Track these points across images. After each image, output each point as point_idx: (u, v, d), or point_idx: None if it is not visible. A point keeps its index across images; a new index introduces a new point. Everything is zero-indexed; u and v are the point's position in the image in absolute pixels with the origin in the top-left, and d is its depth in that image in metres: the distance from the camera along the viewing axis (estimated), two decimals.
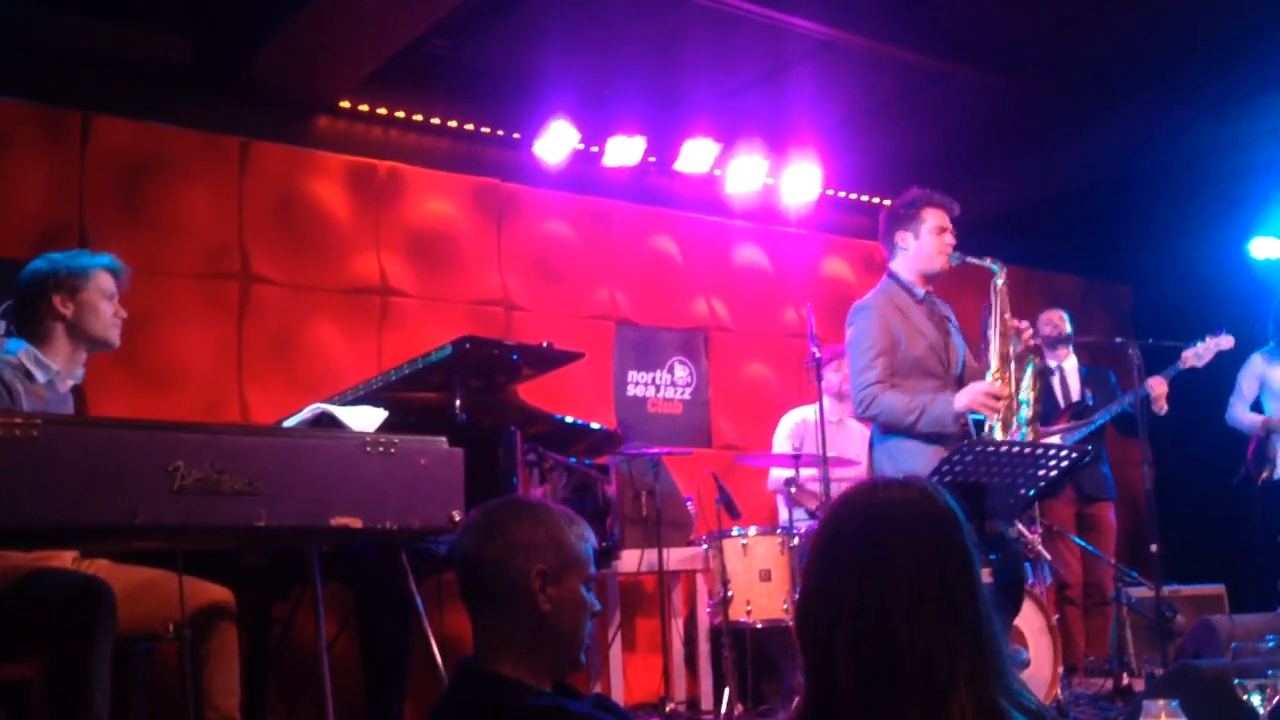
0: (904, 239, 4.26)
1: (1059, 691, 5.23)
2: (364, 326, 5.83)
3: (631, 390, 6.71)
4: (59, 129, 5.16)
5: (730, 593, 5.32)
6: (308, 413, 3.20)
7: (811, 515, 5.79)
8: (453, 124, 6.32)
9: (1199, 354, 5.98)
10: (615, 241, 6.77)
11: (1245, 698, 2.22)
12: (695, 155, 6.63)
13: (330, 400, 3.65)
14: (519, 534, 2.14)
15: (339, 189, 5.88)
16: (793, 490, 5.83)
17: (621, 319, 6.71)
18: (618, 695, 5.45)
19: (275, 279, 5.60)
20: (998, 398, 3.94)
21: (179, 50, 5.38)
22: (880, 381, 4.08)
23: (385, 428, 3.00)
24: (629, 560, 5.35)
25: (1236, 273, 7.68)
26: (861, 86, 6.63)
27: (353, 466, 2.61)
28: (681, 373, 6.91)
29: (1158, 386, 5.74)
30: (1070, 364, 6.62)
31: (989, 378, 4.01)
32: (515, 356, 4.21)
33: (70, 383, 3.40)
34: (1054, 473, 3.79)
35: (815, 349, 5.38)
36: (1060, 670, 5.31)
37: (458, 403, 3.96)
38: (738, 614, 5.31)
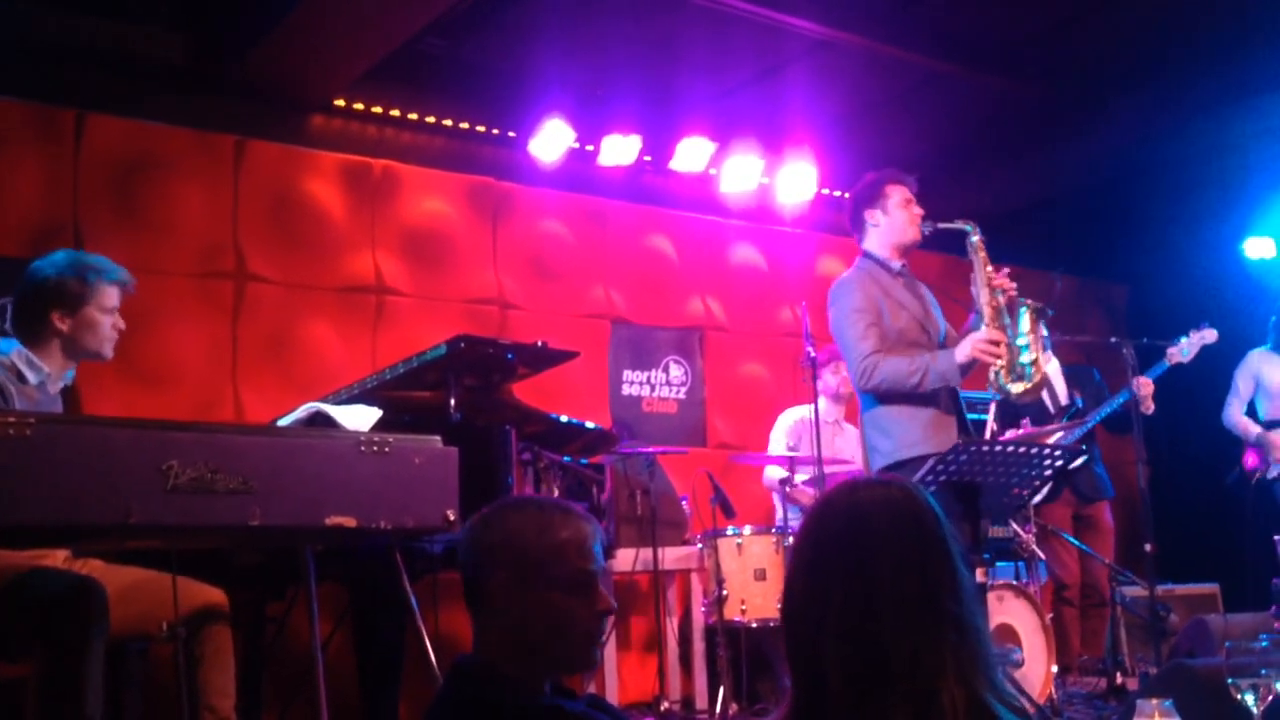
0: (873, 216, 4.30)
1: (1053, 690, 5.24)
2: (359, 325, 5.82)
3: (627, 389, 6.71)
4: (53, 127, 5.15)
5: (725, 592, 5.32)
6: (302, 412, 3.19)
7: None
8: (448, 123, 6.31)
9: (1183, 349, 5.99)
10: (610, 240, 6.77)
11: (1239, 697, 2.22)
12: (691, 154, 6.63)
13: (325, 399, 3.65)
14: (486, 539, 2.14)
15: (334, 188, 5.87)
16: (788, 489, 5.84)
17: (617, 318, 6.71)
18: (612, 694, 5.44)
19: (270, 278, 5.60)
20: (997, 343, 3.95)
21: (173, 48, 5.38)
22: (877, 351, 4.06)
23: (380, 427, 2.99)
24: (624, 559, 5.35)
25: (1231, 272, 7.69)
26: (857, 86, 6.63)
27: (347, 466, 2.60)
28: (677, 372, 6.91)
29: (1144, 387, 5.75)
30: (1053, 367, 6.59)
31: (983, 327, 4.03)
32: (510, 355, 4.21)
33: (61, 384, 3.40)
34: (1049, 472, 3.80)
35: (810, 348, 5.38)
36: (1054, 669, 5.31)
37: (452, 402, 3.96)
38: (732, 613, 5.31)
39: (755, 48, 6.15)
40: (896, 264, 4.27)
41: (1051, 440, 5.85)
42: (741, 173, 6.79)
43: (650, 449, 5.62)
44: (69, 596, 2.90)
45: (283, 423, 3.31)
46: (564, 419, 4.59)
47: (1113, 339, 5.92)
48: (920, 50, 6.25)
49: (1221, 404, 6.62)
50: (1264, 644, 2.25)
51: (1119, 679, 5.68)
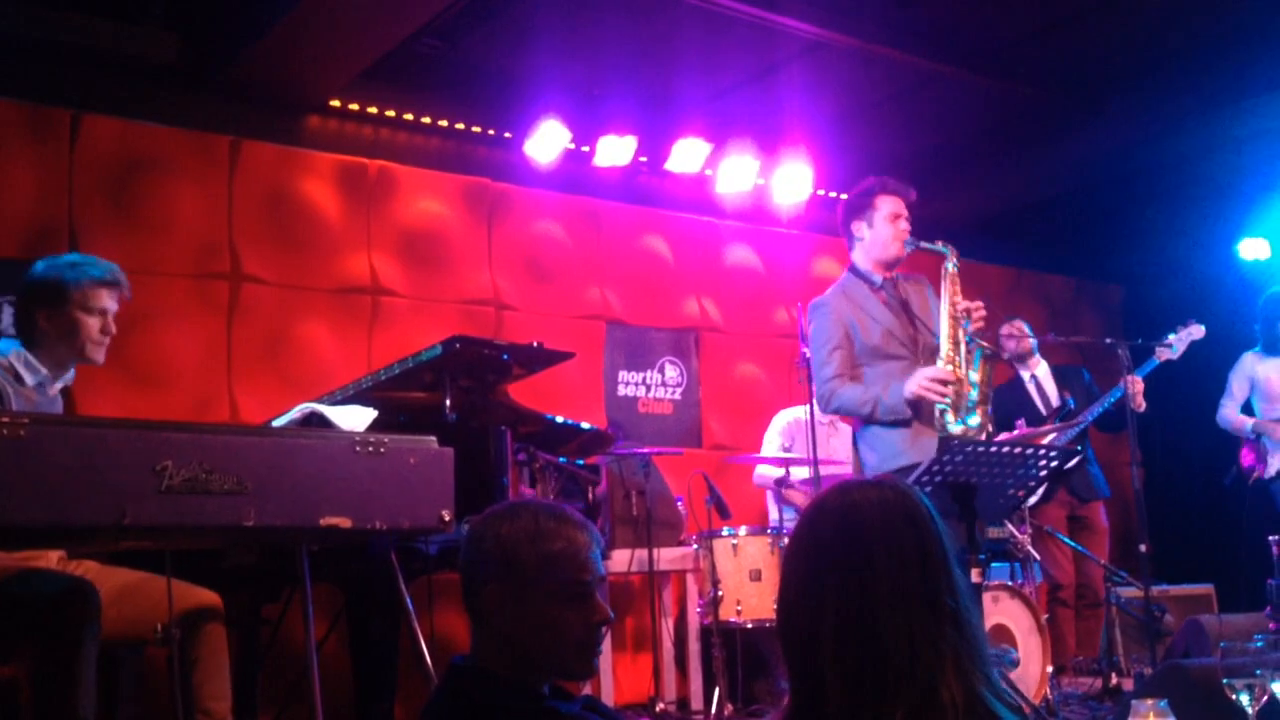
0: (859, 228, 4.31)
1: (1048, 691, 5.24)
2: (354, 326, 5.81)
3: (622, 390, 6.71)
4: (48, 127, 5.14)
5: (720, 592, 5.32)
6: (297, 412, 3.19)
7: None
8: (443, 123, 6.31)
9: (1172, 346, 6.00)
10: (606, 241, 6.77)
11: (1233, 697, 2.22)
12: (686, 155, 6.62)
13: (320, 400, 3.64)
14: (479, 548, 2.12)
15: (329, 188, 5.87)
16: (783, 490, 5.84)
17: (612, 319, 6.71)
18: (608, 695, 5.44)
19: (265, 278, 5.59)
20: (945, 382, 3.95)
21: (169, 49, 5.37)
22: (837, 376, 4.16)
23: (375, 427, 2.99)
24: (619, 560, 5.35)
25: (1226, 273, 7.71)
26: (852, 87, 6.64)
27: (342, 466, 2.60)
28: (672, 373, 6.91)
29: (1134, 384, 5.77)
30: (1042, 370, 6.62)
31: (939, 362, 4.03)
32: (505, 356, 4.20)
33: (60, 385, 3.39)
34: (1044, 473, 3.80)
35: (806, 349, 5.37)
36: (1049, 670, 5.32)
37: (448, 402, 3.95)
38: (728, 614, 5.31)
39: (750, 49, 6.15)
40: (878, 278, 4.28)
41: (1045, 441, 5.85)
42: (737, 173, 6.79)
43: (645, 450, 5.62)
44: (62, 598, 2.90)
45: (278, 423, 3.30)
46: (559, 420, 4.59)
47: (1108, 339, 5.93)
48: (915, 51, 6.26)
49: (1215, 405, 6.63)
50: (1259, 644, 2.25)
51: (1114, 680, 5.69)
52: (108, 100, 5.31)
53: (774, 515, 6.10)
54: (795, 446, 6.04)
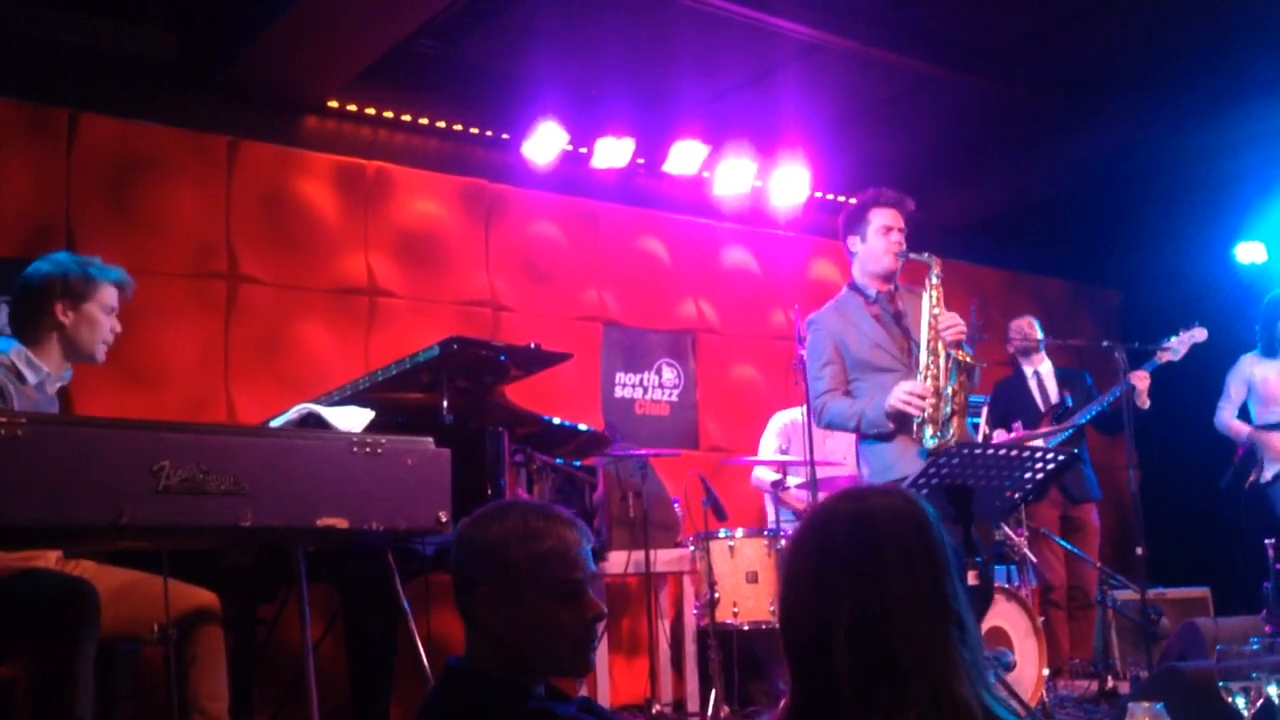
0: (854, 243, 4.38)
1: (1044, 694, 5.24)
2: (351, 327, 5.81)
3: (619, 392, 6.71)
4: (46, 127, 5.14)
5: (717, 594, 5.32)
6: (294, 413, 3.19)
7: (798, 517, 5.79)
8: (441, 124, 6.31)
9: (1174, 348, 6.02)
10: (603, 243, 6.77)
11: (1230, 700, 2.23)
12: (684, 157, 6.62)
13: (317, 400, 3.65)
14: (469, 550, 2.12)
15: (327, 189, 5.87)
16: (780, 492, 5.84)
17: (609, 320, 6.71)
18: (604, 697, 5.44)
19: (263, 279, 5.59)
20: (922, 396, 4.00)
21: (167, 48, 5.37)
22: (828, 391, 4.26)
23: (372, 428, 2.99)
24: (616, 561, 5.35)
25: (1223, 277, 7.72)
26: (849, 89, 6.64)
27: (339, 467, 2.60)
28: (669, 374, 6.91)
29: (1140, 380, 5.78)
30: (1046, 368, 6.64)
31: (919, 374, 4.07)
32: (503, 357, 4.21)
33: (59, 384, 3.39)
34: (1040, 475, 3.81)
35: (802, 352, 5.37)
36: (1046, 672, 5.32)
37: (445, 403, 3.95)
38: (724, 615, 5.31)
39: (747, 51, 6.16)
40: (872, 292, 4.32)
41: (1037, 442, 5.86)
42: (734, 176, 6.79)
43: (642, 451, 5.62)
44: (60, 598, 2.90)
45: (275, 424, 3.31)
46: (556, 421, 4.59)
47: (1105, 342, 5.93)
48: (912, 54, 6.27)
49: (1213, 408, 6.63)
50: (1255, 647, 2.25)
51: (1110, 682, 5.70)
52: (106, 100, 5.31)
53: (771, 517, 6.10)
54: (792, 448, 6.04)
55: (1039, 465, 3.77)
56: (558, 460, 4.45)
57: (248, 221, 5.59)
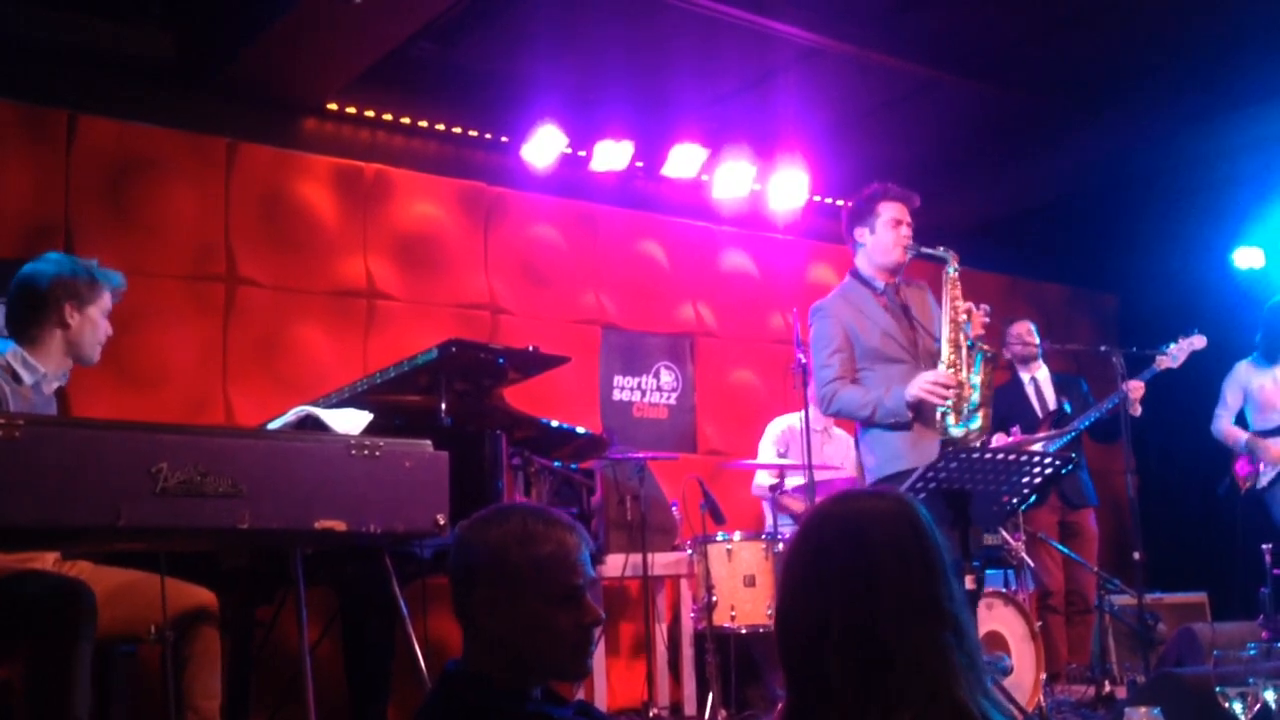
0: (862, 234, 4.35)
1: (1041, 699, 5.24)
2: (350, 329, 5.81)
3: (617, 395, 6.71)
4: (45, 128, 5.14)
5: (714, 598, 5.32)
6: (292, 415, 3.19)
7: (796, 522, 5.79)
8: (440, 127, 6.31)
9: (1173, 355, 6.02)
10: (602, 246, 6.77)
11: (1227, 705, 2.23)
12: (683, 160, 6.63)
13: (315, 403, 3.65)
14: (469, 555, 2.12)
15: (326, 191, 5.87)
16: (778, 496, 5.84)
17: (608, 323, 6.71)
18: (601, 700, 5.44)
19: (261, 281, 5.59)
20: (946, 386, 3.98)
21: (165, 49, 5.37)
22: (838, 378, 4.19)
23: (370, 430, 2.99)
24: (613, 565, 5.35)
25: (1220, 282, 7.72)
26: (848, 93, 6.65)
27: (337, 469, 2.60)
28: (667, 378, 6.91)
29: (1135, 390, 5.79)
30: (1043, 374, 6.65)
31: (941, 365, 4.06)
32: (501, 360, 4.21)
33: (56, 385, 3.40)
34: (1038, 480, 3.80)
35: (801, 355, 5.38)
36: (1043, 677, 5.32)
37: (443, 406, 3.95)
38: (722, 619, 5.31)
39: (746, 55, 6.16)
40: (880, 284, 4.31)
41: (1035, 447, 5.86)
42: (733, 179, 6.80)
43: (640, 455, 5.62)
44: (57, 599, 2.90)
45: (273, 426, 3.31)
46: (554, 424, 4.58)
47: (1102, 347, 5.94)
48: (910, 58, 6.27)
49: (1210, 415, 6.64)
50: (1252, 653, 2.26)
51: (1107, 687, 5.69)
52: (104, 101, 5.31)
53: (769, 521, 6.10)
54: (790, 453, 6.04)
55: (1037, 470, 3.77)
56: (556, 463, 4.45)
57: (246, 223, 5.59)
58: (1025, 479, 3.77)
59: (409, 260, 6.06)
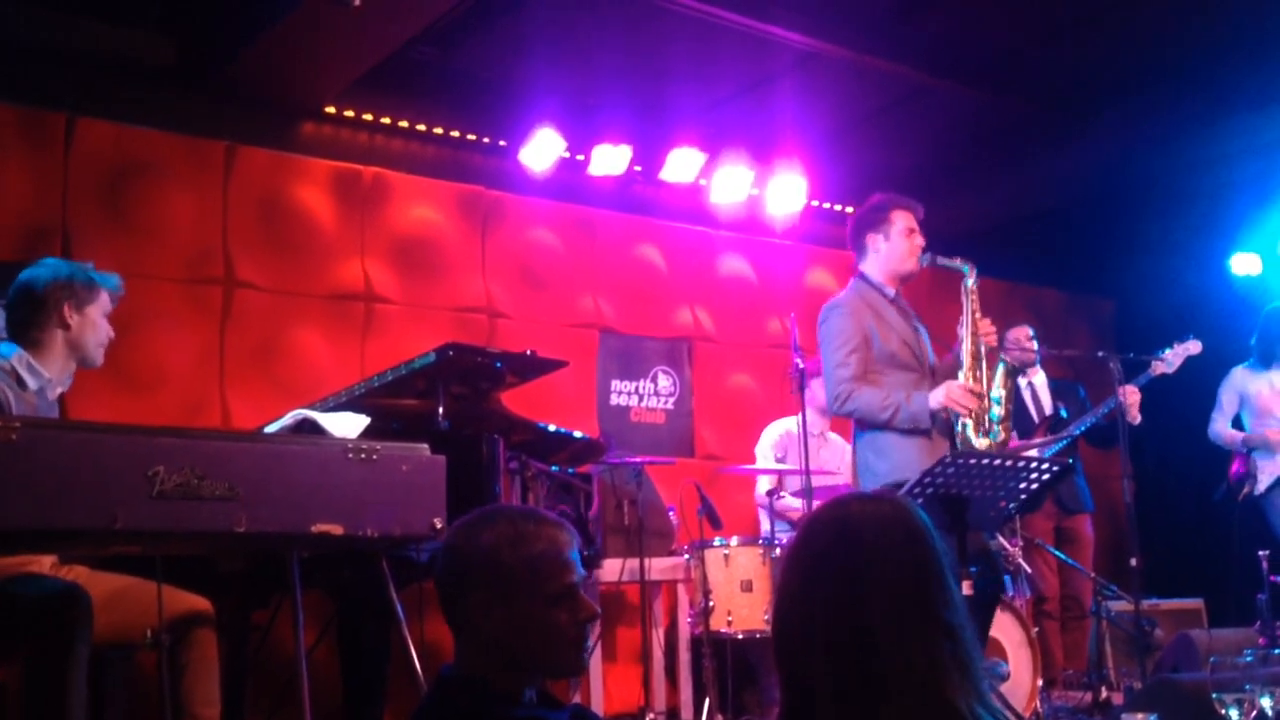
0: (874, 241, 4.32)
1: (1038, 704, 5.24)
2: (347, 332, 5.81)
3: (615, 399, 6.71)
4: (43, 131, 5.13)
5: (711, 603, 5.32)
6: (289, 418, 3.19)
7: (793, 526, 5.79)
8: (438, 131, 6.31)
9: (1168, 360, 6.02)
10: (600, 250, 6.77)
11: (1223, 712, 2.23)
12: (681, 165, 6.63)
13: (313, 406, 3.65)
14: (461, 559, 2.12)
15: (324, 194, 5.87)
16: (774, 501, 5.84)
17: (605, 328, 6.71)
18: (598, 705, 5.43)
19: (259, 284, 5.58)
20: (973, 395, 3.98)
21: (163, 52, 5.37)
22: (856, 377, 4.13)
23: (368, 434, 2.99)
24: (610, 569, 5.34)
25: (1217, 288, 7.73)
26: (846, 99, 6.66)
27: (334, 473, 2.60)
28: (665, 382, 6.91)
29: (1131, 395, 5.79)
30: (1040, 379, 6.66)
31: (961, 376, 4.04)
32: (498, 364, 4.21)
33: (59, 390, 3.40)
34: (1035, 485, 3.81)
35: (799, 360, 5.39)
36: (1039, 683, 5.32)
37: (441, 410, 3.95)
38: (719, 624, 5.31)
39: (745, 60, 6.16)
40: (891, 290, 4.30)
41: (1032, 452, 5.86)
42: (731, 184, 6.80)
43: (638, 459, 5.61)
44: (54, 603, 2.89)
45: (270, 429, 3.30)
46: (552, 428, 4.58)
47: (1099, 353, 5.94)
48: (908, 63, 6.28)
49: (1207, 420, 6.65)
50: (1248, 659, 2.25)
51: (1104, 693, 5.69)
52: (103, 103, 5.30)
53: (766, 526, 6.10)
54: (787, 458, 6.04)
55: (1034, 475, 3.77)
56: (553, 467, 4.45)
57: (244, 226, 5.58)
58: (1022, 484, 3.77)
59: (407, 264, 6.05)
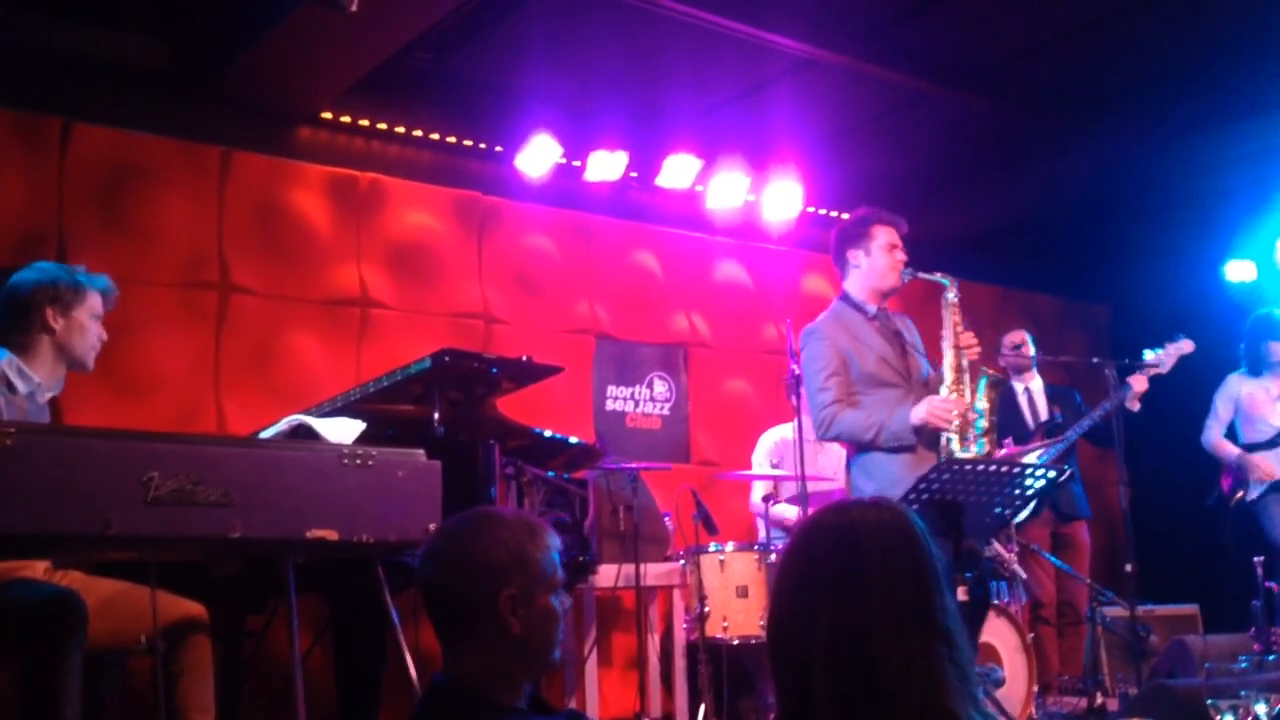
0: (855, 257, 4.32)
1: (1033, 710, 5.24)
2: (343, 338, 5.81)
3: (610, 405, 6.71)
4: (38, 136, 5.12)
5: (707, 609, 5.32)
6: (285, 424, 3.19)
7: (789, 533, 5.78)
8: (434, 136, 6.31)
9: (1161, 360, 6.01)
10: (596, 256, 6.77)
11: (1218, 718, 2.23)
12: (677, 171, 6.64)
13: (308, 411, 3.64)
14: (483, 559, 2.10)
15: (320, 200, 5.87)
16: (770, 507, 5.84)
17: (601, 333, 6.71)
18: (593, 711, 5.43)
19: (254, 289, 5.58)
20: (953, 410, 3.97)
21: (159, 57, 5.37)
22: (836, 401, 4.15)
23: (363, 440, 2.99)
24: (606, 575, 5.34)
25: (1212, 294, 7.75)
26: (842, 105, 6.67)
27: (330, 478, 2.60)
28: (661, 388, 6.91)
29: (1139, 383, 5.80)
30: (1036, 385, 6.67)
31: (943, 391, 4.05)
32: (494, 369, 4.21)
33: (50, 394, 3.39)
34: (1030, 491, 3.81)
35: (795, 366, 5.38)
36: (1035, 689, 5.32)
37: (436, 415, 3.95)
38: (714, 630, 5.31)
39: (740, 65, 6.17)
40: (872, 308, 4.29)
41: (1030, 458, 5.87)
42: (727, 190, 6.81)
43: (633, 465, 5.61)
44: (48, 608, 2.89)
45: (266, 435, 3.30)
46: (547, 434, 4.59)
47: (1095, 359, 5.95)
48: (903, 70, 6.29)
49: (1201, 426, 6.65)
50: (1243, 665, 2.26)
51: (1099, 699, 5.70)
52: (98, 109, 5.30)
53: (762, 533, 6.10)
54: (783, 465, 6.04)
55: (1029, 482, 3.78)
56: (549, 473, 4.45)
57: (240, 232, 5.58)
58: (1018, 490, 3.78)
59: (403, 269, 6.05)
